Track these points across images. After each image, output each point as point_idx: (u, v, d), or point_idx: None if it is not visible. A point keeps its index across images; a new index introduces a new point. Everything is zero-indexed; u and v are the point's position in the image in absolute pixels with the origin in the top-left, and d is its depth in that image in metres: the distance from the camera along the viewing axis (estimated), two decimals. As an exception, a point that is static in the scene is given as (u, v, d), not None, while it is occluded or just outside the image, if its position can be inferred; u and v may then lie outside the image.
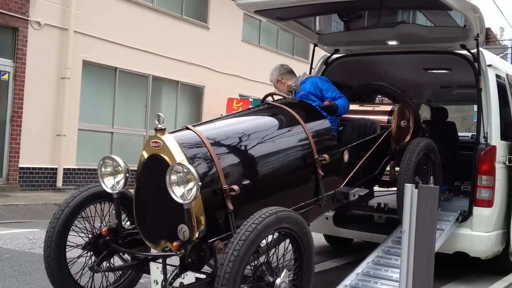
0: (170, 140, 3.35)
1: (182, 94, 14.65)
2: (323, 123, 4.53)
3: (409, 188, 3.71)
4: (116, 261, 3.88)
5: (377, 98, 7.16)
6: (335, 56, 6.32)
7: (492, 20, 38.06)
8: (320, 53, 6.44)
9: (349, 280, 4.33)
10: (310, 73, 6.17)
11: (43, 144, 11.27)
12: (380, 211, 5.64)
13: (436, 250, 4.51)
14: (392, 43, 5.96)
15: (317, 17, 6.05)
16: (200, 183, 3.11)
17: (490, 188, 5.25)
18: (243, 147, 3.83)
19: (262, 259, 3.23)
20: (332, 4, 5.16)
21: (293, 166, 4.09)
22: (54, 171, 11.42)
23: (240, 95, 16.05)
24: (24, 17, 10.79)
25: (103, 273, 3.79)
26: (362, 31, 6.13)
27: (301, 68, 18.41)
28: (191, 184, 3.14)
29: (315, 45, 6.35)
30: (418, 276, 3.66)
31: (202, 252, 3.22)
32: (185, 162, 3.23)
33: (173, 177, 3.16)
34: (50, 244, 3.61)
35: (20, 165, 10.83)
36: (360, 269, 4.49)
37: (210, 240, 3.24)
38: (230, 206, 3.37)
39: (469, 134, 8.17)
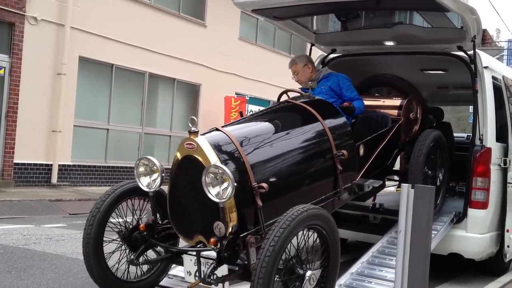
0: (203, 142, 3.55)
1: (178, 91, 14.63)
2: (340, 120, 4.74)
3: (405, 188, 3.72)
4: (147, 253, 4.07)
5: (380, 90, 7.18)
6: (332, 55, 6.32)
7: (489, 21, 38.18)
8: (317, 53, 6.44)
9: (343, 279, 4.33)
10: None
11: (38, 140, 11.24)
12: (375, 212, 5.65)
13: (431, 251, 4.52)
14: (389, 43, 5.97)
15: (315, 17, 6.04)
16: (235, 184, 3.32)
17: (485, 190, 5.27)
18: (268, 146, 4.04)
19: (292, 253, 3.41)
20: (329, 4, 5.16)
21: (314, 162, 4.32)
22: (49, 167, 11.40)
23: (236, 93, 16.04)
24: (20, 12, 10.76)
25: (137, 266, 3.98)
26: (359, 31, 6.14)
27: (297, 67, 18.07)
28: (225, 184, 3.35)
29: (312, 45, 6.35)
30: (413, 276, 3.68)
31: (236, 247, 3.44)
32: (219, 163, 3.44)
33: (209, 178, 3.36)
34: (89, 240, 3.79)
35: (15, 161, 10.80)
36: (354, 268, 4.50)
37: (241, 235, 3.47)
38: (259, 203, 3.57)
39: (465, 135, 8.18)
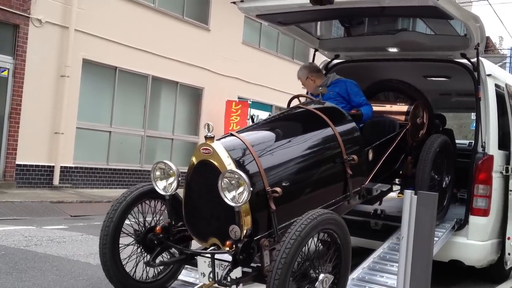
0: (219, 147, 3.64)
1: (181, 95, 14.65)
2: (350, 126, 4.81)
3: (408, 194, 3.73)
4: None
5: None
6: (335, 61, 6.33)
7: (492, 28, 38.17)
8: (321, 58, 6.45)
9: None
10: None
11: (41, 142, 11.26)
12: (376, 218, 5.65)
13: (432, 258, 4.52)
14: (393, 50, 5.98)
15: (318, 23, 6.06)
16: (251, 188, 3.41)
17: (487, 197, 5.27)
18: (280, 150, 4.14)
19: (306, 256, 3.51)
20: (333, 10, 5.17)
21: (325, 166, 4.40)
22: (51, 169, 11.41)
23: (239, 98, 16.06)
24: (25, 14, 10.80)
25: (154, 267, 4.07)
26: (363, 37, 6.15)
27: (300, 72, 18.06)
28: (241, 188, 3.44)
29: (316, 50, 6.36)
30: (415, 282, 3.68)
31: (250, 249, 3.53)
32: (235, 168, 3.53)
33: (225, 183, 3.46)
34: (106, 241, 3.94)
35: (17, 162, 10.82)
36: (355, 274, 4.49)
37: (255, 238, 3.56)
38: (273, 206, 3.65)
39: (466, 142, 8.18)
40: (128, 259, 4.06)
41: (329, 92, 5.25)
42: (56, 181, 11.42)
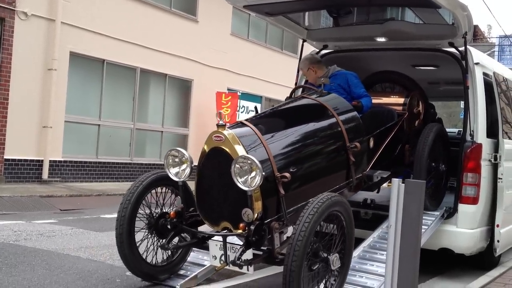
0: (231, 134, 3.80)
1: (170, 87, 14.60)
2: (352, 115, 5.01)
3: (396, 182, 3.74)
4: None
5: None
6: (323, 51, 6.33)
7: (480, 17, 38.31)
8: (309, 48, 6.44)
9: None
10: (298, 68, 6.21)
11: (29, 136, 11.18)
12: (367, 207, 5.67)
13: (421, 246, 4.54)
14: (381, 39, 5.98)
15: (306, 13, 6.04)
16: (263, 173, 3.58)
17: (476, 185, 5.30)
18: (287, 138, 4.33)
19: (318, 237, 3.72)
20: (321, 0, 5.17)
21: (329, 153, 4.63)
22: (40, 163, 11.34)
23: (228, 89, 16.02)
24: (11, 7, 10.69)
25: (168, 250, 4.35)
26: (351, 27, 6.14)
27: (289, 63, 18.47)
28: (253, 173, 3.61)
29: (304, 41, 6.35)
30: (403, 270, 3.70)
31: (262, 232, 3.70)
32: (248, 154, 3.69)
33: (238, 168, 3.63)
34: (122, 231, 4.11)
35: (5, 157, 10.75)
36: (346, 263, 4.52)
37: (266, 221, 3.73)
38: (282, 191, 3.83)
39: (456, 130, 8.22)
40: (140, 243, 4.25)
41: (330, 83, 5.39)
42: (45, 175, 11.37)
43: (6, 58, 10.64)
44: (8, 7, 10.64)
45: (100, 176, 12.69)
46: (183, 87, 15.14)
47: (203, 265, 4.74)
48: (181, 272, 4.66)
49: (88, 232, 6.96)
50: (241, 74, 16.67)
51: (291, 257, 3.43)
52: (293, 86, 6.31)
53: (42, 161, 11.35)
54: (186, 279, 4.53)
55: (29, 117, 11.13)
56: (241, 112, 15.80)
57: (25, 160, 11.17)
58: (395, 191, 3.73)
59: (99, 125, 12.69)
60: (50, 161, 11.47)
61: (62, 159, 11.83)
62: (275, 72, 17.28)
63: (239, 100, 15.47)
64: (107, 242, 6.31)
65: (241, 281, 4.90)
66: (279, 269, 5.41)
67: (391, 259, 3.73)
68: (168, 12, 14.29)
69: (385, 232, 4.83)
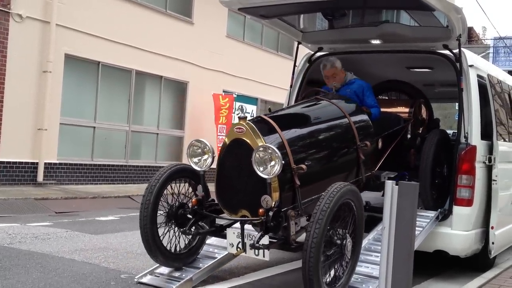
0: (252, 126, 4.04)
1: (165, 89, 14.58)
2: (362, 116, 5.38)
3: (389, 184, 3.75)
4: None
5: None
6: (318, 54, 6.33)
7: (475, 19, 38.43)
8: (304, 51, 6.45)
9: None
10: (293, 70, 6.30)
11: (24, 138, 11.15)
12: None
13: (416, 248, 4.55)
14: (376, 42, 6.00)
15: (301, 15, 6.05)
16: (283, 161, 3.81)
17: (470, 187, 5.31)
18: (303, 134, 4.63)
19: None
20: (316, 3, 5.17)
21: (340, 150, 4.96)
22: (35, 165, 11.31)
23: (224, 91, 16.00)
24: (5, 10, 10.66)
25: (190, 235, 4.56)
26: (346, 29, 6.15)
27: (285, 65, 18.38)
28: (273, 162, 3.84)
29: (299, 43, 6.36)
30: (397, 272, 3.70)
31: (279, 218, 3.92)
32: (269, 144, 3.91)
33: (259, 157, 3.85)
34: (147, 212, 4.32)
35: (0, 159, 10.70)
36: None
37: (283, 209, 3.95)
38: (298, 182, 4.05)
39: (451, 132, 8.25)
40: (163, 236, 4.47)
41: (345, 89, 5.72)
42: (40, 177, 11.33)
43: (0, 60, 10.60)
44: (3, 9, 10.61)
45: (95, 179, 12.67)
46: (179, 89, 15.12)
47: (198, 268, 4.74)
48: (176, 274, 4.66)
49: (83, 234, 6.94)
50: (237, 76, 16.66)
51: (310, 244, 3.65)
52: (288, 88, 6.35)
53: (37, 163, 11.32)
54: (181, 281, 4.53)
55: (24, 119, 11.10)
56: (237, 114, 15.75)
57: (20, 163, 11.13)
58: (388, 193, 3.74)
59: (94, 127, 12.66)
60: (45, 163, 11.43)
61: (57, 162, 11.80)
62: (270, 74, 17.28)
63: (234, 102, 15.46)
64: (102, 244, 6.30)
65: (235, 284, 4.90)
66: (272, 271, 5.46)
67: (385, 261, 3.74)
68: (163, 14, 14.28)
69: (380, 234, 4.82)
